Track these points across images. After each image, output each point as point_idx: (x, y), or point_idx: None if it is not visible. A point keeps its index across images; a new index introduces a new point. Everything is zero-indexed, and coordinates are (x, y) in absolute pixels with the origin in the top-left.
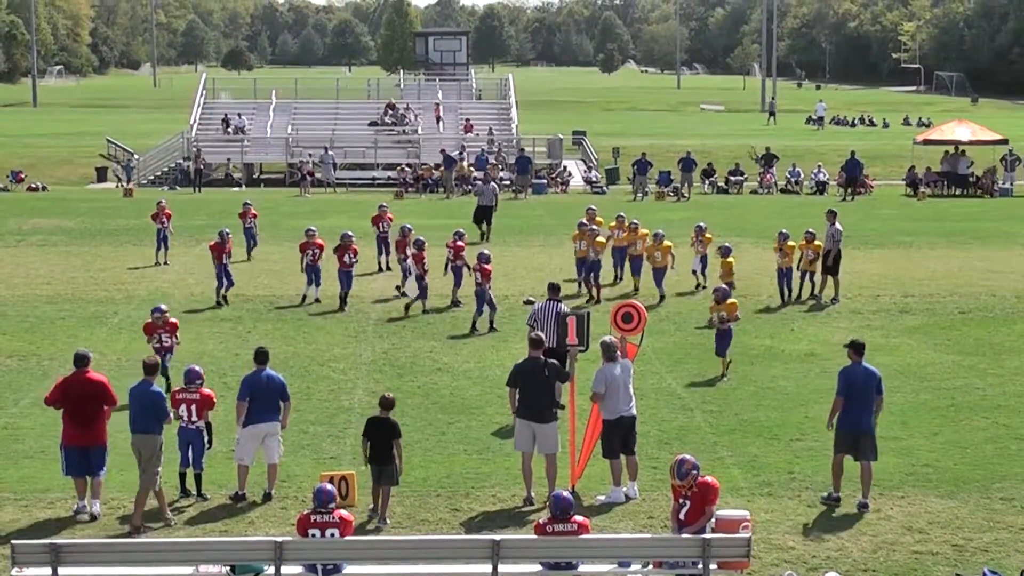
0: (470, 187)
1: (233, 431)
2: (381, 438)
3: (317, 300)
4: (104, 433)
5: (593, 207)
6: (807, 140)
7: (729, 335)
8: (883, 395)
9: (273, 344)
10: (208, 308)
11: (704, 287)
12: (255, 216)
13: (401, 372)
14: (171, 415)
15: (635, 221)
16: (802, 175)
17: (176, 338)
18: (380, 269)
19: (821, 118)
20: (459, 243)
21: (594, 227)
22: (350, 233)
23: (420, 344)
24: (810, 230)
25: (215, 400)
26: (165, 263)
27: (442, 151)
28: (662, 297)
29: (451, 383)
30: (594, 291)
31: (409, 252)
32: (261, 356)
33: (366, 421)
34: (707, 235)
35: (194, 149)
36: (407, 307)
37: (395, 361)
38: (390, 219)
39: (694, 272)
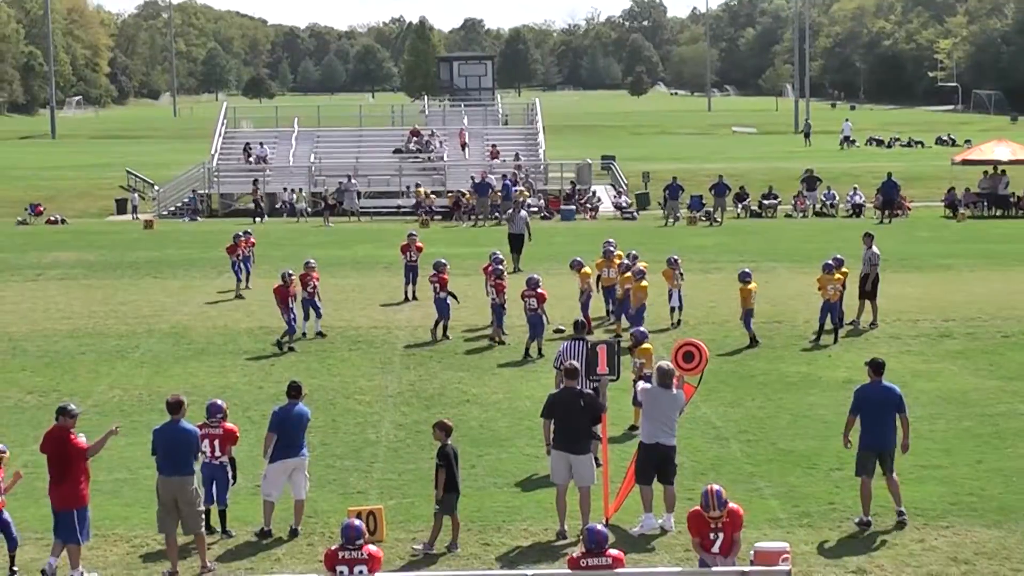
0: (497, 215)
1: (257, 466)
2: (456, 465)
3: (320, 334)
4: (79, 497)
5: (611, 241)
6: (842, 162)
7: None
8: (906, 414)
9: (296, 377)
10: (230, 341)
11: (679, 322)
12: (252, 245)
13: (429, 404)
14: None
15: (633, 253)
16: (837, 198)
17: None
18: (407, 298)
19: (848, 137)
20: (443, 275)
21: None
22: (312, 262)
23: (448, 375)
24: (838, 256)
25: (238, 435)
26: (247, 287)
27: (473, 177)
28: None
29: (480, 415)
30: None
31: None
32: (295, 390)
33: (443, 451)
34: (682, 268)
35: (253, 181)
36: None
37: (422, 393)
38: (419, 248)
39: (672, 309)
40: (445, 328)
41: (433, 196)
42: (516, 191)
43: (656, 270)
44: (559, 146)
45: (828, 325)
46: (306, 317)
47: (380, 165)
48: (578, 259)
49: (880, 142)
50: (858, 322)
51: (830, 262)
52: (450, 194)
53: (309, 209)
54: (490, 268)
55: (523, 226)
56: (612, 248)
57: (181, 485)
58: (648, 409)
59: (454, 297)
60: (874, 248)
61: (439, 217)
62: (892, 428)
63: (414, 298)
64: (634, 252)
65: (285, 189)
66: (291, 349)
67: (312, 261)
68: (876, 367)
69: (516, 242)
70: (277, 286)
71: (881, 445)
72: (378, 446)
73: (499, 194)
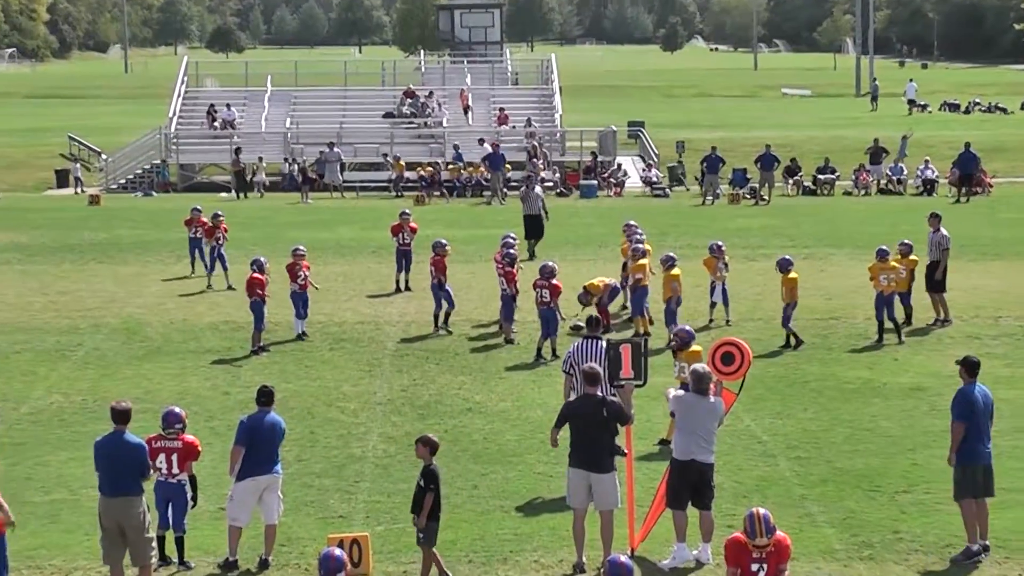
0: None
1: (222, 485)
2: (440, 489)
3: (303, 334)
4: None
5: (633, 223)
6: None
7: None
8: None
9: (269, 381)
10: (191, 339)
11: (728, 321)
12: (226, 230)
13: (424, 413)
14: (152, 469)
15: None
16: (905, 172)
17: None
18: (398, 288)
19: (912, 101)
20: (441, 257)
21: (639, 247)
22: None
23: (446, 379)
24: (906, 241)
25: (200, 449)
26: (229, 287)
27: (492, 144)
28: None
29: (484, 426)
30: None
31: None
32: (265, 396)
33: (429, 472)
34: (727, 257)
35: (234, 150)
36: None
37: (416, 400)
38: (413, 229)
39: (712, 305)
40: (447, 317)
41: (430, 169)
42: (534, 164)
43: (693, 257)
44: (579, 110)
45: (890, 322)
46: (298, 314)
47: (368, 131)
48: (670, 254)
49: (956, 107)
50: (943, 319)
51: (884, 247)
52: (428, 166)
53: (267, 183)
54: (500, 254)
55: (539, 205)
56: (638, 233)
57: (125, 507)
58: (682, 420)
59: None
60: (942, 231)
61: (438, 194)
62: (990, 438)
63: (407, 288)
64: (631, 223)
65: (262, 159)
66: (263, 349)
67: (301, 248)
68: (971, 367)
69: (533, 225)
70: (251, 277)
71: (987, 458)
72: (364, 462)
73: (486, 165)
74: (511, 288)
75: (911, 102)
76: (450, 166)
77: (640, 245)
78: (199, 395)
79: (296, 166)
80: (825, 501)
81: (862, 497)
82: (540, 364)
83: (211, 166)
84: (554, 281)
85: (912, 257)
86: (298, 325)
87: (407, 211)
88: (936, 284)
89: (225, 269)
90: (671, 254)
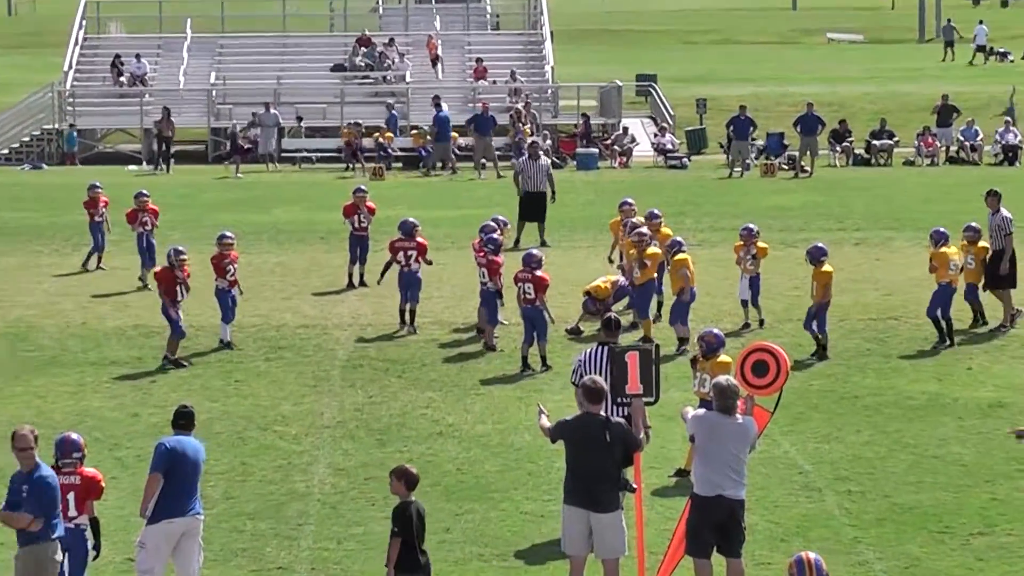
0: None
1: (130, 529)
2: (416, 531)
3: (226, 343)
4: None
5: (630, 201)
6: (988, 84)
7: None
8: None
9: (190, 399)
10: (92, 347)
11: (762, 322)
12: (155, 214)
13: (383, 439)
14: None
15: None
16: (981, 136)
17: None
18: (351, 283)
19: (983, 47)
20: (418, 240)
21: (642, 229)
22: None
23: (411, 395)
24: (972, 224)
25: (103, 485)
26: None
27: (483, 105)
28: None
29: (458, 454)
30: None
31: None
32: (184, 419)
33: (396, 511)
34: (760, 243)
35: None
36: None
37: (374, 422)
38: (371, 209)
39: (743, 303)
40: (412, 315)
41: (390, 135)
42: (522, 131)
43: (718, 244)
44: (575, 61)
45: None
46: (225, 317)
47: (313, 88)
48: (678, 239)
49: None
50: (1013, 320)
51: (942, 229)
52: (346, 128)
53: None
54: (480, 240)
55: (544, 180)
56: (655, 213)
57: (28, 557)
58: (704, 446)
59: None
60: (1003, 211)
61: (400, 164)
62: None
63: (361, 283)
64: (628, 201)
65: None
66: (180, 364)
67: (229, 235)
68: None
69: (533, 205)
70: (161, 270)
71: None
72: (308, 500)
73: (434, 132)
74: (494, 282)
75: (980, 48)
76: (414, 131)
77: (644, 230)
78: (102, 417)
79: (228, 131)
80: (883, 545)
81: (928, 540)
82: (527, 376)
83: (117, 132)
84: (539, 273)
85: (982, 244)
86: (224, 331)
87: (363, 188)
88: (1001, 279)
89: (152, 262)
90: (678, 239)
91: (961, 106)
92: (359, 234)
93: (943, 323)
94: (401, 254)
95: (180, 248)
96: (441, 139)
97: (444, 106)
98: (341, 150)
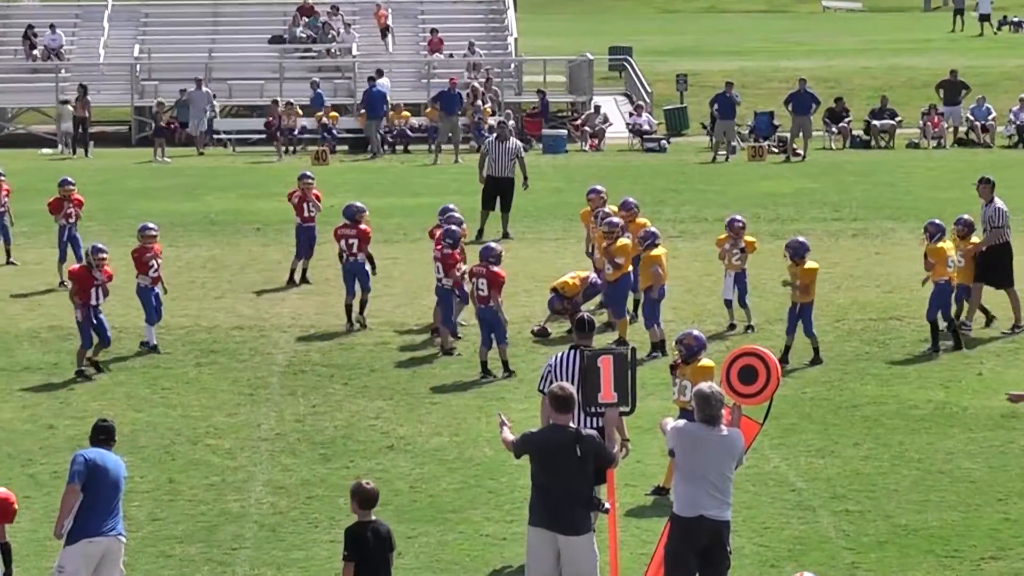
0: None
1: (46, 554)
2: (373, 555)
3: (151, 346)
4: None
5: (600, 188)
6: (1000, 57)
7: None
8: None
9: (111, 410)
10: (2, 352)
11: (750, 327)
12: (80, 204)
13: (327, 453)
14: None
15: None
16: (993, 115)
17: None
18: (292, 280)
19: (986, 16)
20: (362, 227)
21: (613, 219)
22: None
23: (358, 405)
24: (964, 217)
25: (16, 506)
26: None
27: (451, 80)
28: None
29: (411, 470)
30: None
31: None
32: (104, 433)
33: (347, 532)
34: (747, 236)
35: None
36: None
37: (317, 434)
38: (317, 197)
39: (727, 303)
40: (363, 306)
41: (335, 115)
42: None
43: (701, 235)
44: (541, 31)
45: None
46: (149, 318)
47: (248, 63)
48: (652, 230)
49: None
50: (1014, 323)
51: (937, 221)
52: (334, 111)
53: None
54: (439, 231)
55: (513, 164)
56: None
57: None
58: (685, 461)
59: (371, 263)
60: (997, 203)
61: (346, 147)
62: None
63: (303, 280)
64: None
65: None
66: (85, 375)
67: (152, 226)
68: None
69: (498, 190)
70: (77, 268)
71: None
72: (244, 522)
73: (436, 107)
74: (449, 278)
75: (984, 17)
76: (362, 112)
77: (615, 218)
78: (13, 430)
79: (152, 110)
80: (884, 571)
81: (935, 565)
82: (487, 382)
83: (29, 111)
84: (495, 268)
85: (974, 239)
86: (149, 333)
87: (308, 173)
88: (997, 276)
89: (77, 257)
90: (653, 230)
91: (971, 82)
92: (305, 225)
93: (945, 325)
94: (343, 242)
95: (101, 246)
96: (372, 118)
97: (384, 81)
98: (275, 128)
